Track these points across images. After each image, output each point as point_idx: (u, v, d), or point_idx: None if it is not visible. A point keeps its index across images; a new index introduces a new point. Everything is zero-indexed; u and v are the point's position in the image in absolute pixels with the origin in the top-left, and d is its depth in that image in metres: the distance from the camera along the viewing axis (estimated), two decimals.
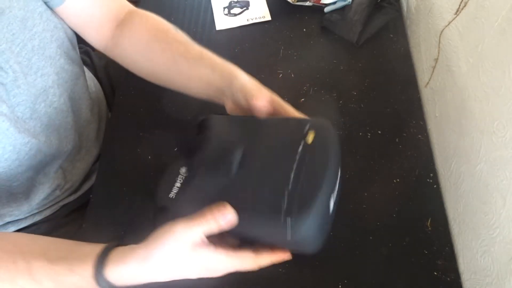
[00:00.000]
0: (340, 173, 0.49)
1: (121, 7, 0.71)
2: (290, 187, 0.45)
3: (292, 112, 0.55)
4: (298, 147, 0.48)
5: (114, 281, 0.46)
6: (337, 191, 0.49)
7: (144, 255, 0.45)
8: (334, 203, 0.48)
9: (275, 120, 0.54)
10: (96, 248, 0.48)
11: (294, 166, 0.46)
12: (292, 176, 0.46)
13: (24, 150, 0.63)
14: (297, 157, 0.47)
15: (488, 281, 0.56)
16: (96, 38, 0.71)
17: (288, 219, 0.43)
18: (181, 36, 0.68)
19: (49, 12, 0.65)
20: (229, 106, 0.60)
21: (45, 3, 0.64)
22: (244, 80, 0.58)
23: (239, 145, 0.50)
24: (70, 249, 0.50)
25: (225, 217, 0.45)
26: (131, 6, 0.73)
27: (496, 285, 0.55)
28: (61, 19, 0.68)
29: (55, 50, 0.67)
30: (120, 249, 0.47)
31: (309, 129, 0.49)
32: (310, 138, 0.48)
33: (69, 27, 0.70)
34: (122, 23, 0.70)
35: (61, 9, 0.66)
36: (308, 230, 0.43)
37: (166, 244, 0.45)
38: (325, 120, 0.51)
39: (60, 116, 0.70)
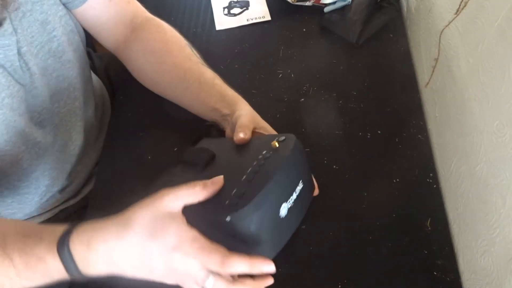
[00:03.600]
0: (305, 185, 0.51)
1: (138, 12, 0.72)
2: (241, 184, 0.47)
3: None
4: (262, 151, 0.50)
5: (76, 250, 0.44)
6: (300, 200, 0.50)
7: (110, 221, 0.44)
8: (292, 210, 0.48)
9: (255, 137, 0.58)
10: (71, 224, 0.46)
11: (250, 168, 0.48)
12: (245, 176, 0.47)
13: (34, 150, 0.64)
14: (257, 161, 0.49)
15: (488, 281, 0.56)
16: (109, 39, 0.72)
17: (231, 214, 0.44)
18: (195, 56, 0.69)
19: (68, 16, 0.66)
20: (227, 132, 0.63)
21: (65, 4, 0.65)
22: (243, 113, 0.61)
23: (209, 151, 0.55)
24: (47, 226, 0.48)
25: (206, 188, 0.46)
26: (148, 13, 0.73)
27: (496, 285, 0.55)
28: (77, 21, 0.69)
29: (72, 53, 0.67)
30: (84, 227, 0.45)
31: (277, 138, 0.52)
32: (276, 143, 0.51)
33: (83, 28, 0.71)
34: (138, 29, 0.71)
35: (80, 11, 0.67)
36: (248, 224, 0.44)
37: (144, 207, 0.44)
38: (294, 136, 0.53)
39: (73, 118, 0.70)
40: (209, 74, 0.67)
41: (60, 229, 0.46)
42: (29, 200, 0.69)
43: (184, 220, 0.45)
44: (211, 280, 0.43)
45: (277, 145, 0.50)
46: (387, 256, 0.63)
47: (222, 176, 0.47)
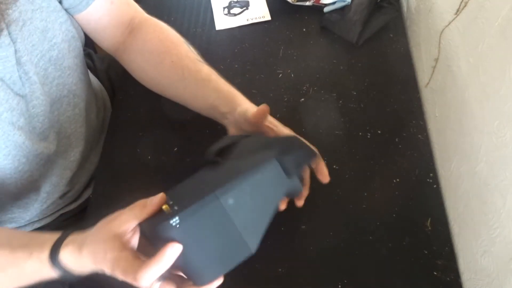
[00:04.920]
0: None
1: (136, 13, 0.72)
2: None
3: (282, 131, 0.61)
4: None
5: (67, 265, 0.49)
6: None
7: (81, 241, 0.49)
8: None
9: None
10: (55, 235, 0.51)
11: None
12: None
13: (35, 161, 0.63)
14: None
15: (488, 281, 0.56)
16: (109, 42, 0.72)
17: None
18: (192, 53, 0.69)
19: (68, 22, 0.65)
20: (231, 130, 0.63)
21: (67, 10, 0.65)
22: (248, 106, 0.61)
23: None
24: (32, 237, 0.52)
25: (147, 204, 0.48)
26: (145, 14, 0.73)
27: (496, 285, 0.55)
28: (78, 26, 0.69)
29: (72, 60, 0.67)
30: (74, 235, 0.51)
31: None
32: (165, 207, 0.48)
33: (84, 33, 0.71)
34: (136, 30, 0.71)
35: (82, 15, 0.66)
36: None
37: (97, 230, 0.49)
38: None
39: (73, 125, 0.70)
40: (206, 70, 0.67)
41: (46, 243, 0.50)
42: (29, 206, 0.69)
43: (119, 242, 0.47)
44: None
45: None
46: (387, 256, 0.63)
47: (161, 194, 0.49)
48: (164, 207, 0.47)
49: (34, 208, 0.70)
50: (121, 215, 0.48)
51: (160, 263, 0.44)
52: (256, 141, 0.56)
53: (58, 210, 0.75)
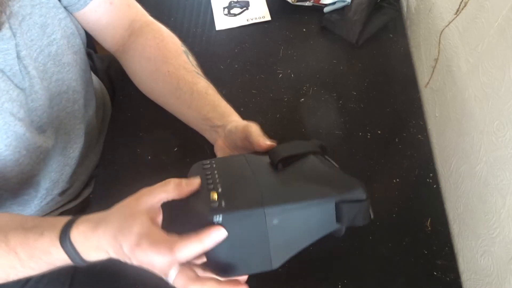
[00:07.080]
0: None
1: (137, 16, 0.71)
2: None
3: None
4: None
5: (77, 244, 0.47)
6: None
7: (97, 220, 0.47)
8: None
9: None
10: (69, 217, 0.50)
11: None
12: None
13: (35, 154, 0.64)
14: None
15: (488, 281, 0.56)
16: (109, 42, 0.72)
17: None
18: (191, 65, 0.69)
19: (68, 19, 0.66)
20: (219, 144, 0.62)
21: (66, 7, 0.65)
22: (245, 123, 0.60)
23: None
24: (45, 219, 0.52)
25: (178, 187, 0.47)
26: (148, 17, 0.73)
27: (496, 285, 0.55)
28: (78, 24, 0.69)
29: (72, 56, 0.67)
30: (89, 215, 0.49)
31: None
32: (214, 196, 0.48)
33: (84, 30, 0.71)
34: (136, 33, 0.70)
35: (81, 14, 0.67)
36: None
37: (122, 206, 0.48)
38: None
39: (73, 121, 0.70)
40: (203, 83, 0.67)
41: (58, 223, 0.49)
42: (29, 203, 0.69)
43: (148, 216, 0.46)
44: (173, 274, 0.44)
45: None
46: (387, 256, 0.63)
47: (198, 178, 0.48)
48: (212, 194, 0.47)
49: (34, 205, 0.70)
50: (151, 191, 0.47)
51: (202, 242, 0.43)
52: (323, 167, 0.56)
53: (57, 208, 0.75)
